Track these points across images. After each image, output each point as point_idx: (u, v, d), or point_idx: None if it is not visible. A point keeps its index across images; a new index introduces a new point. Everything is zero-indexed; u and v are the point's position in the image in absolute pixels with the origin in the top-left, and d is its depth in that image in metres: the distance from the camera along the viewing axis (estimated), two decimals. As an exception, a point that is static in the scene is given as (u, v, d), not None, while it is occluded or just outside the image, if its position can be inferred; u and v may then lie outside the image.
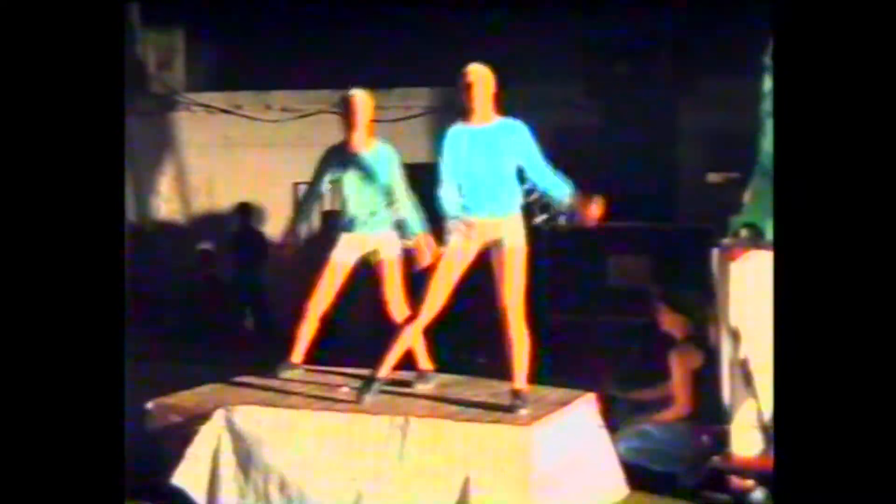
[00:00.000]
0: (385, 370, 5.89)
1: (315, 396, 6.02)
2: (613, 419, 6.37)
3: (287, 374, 6.46)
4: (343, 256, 6.44)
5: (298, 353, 6.54)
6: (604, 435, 6.12)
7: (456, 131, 5.76)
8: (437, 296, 5.77)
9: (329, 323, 6.71)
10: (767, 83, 5.88)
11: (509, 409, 5.64)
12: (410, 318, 5.91)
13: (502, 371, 5.90)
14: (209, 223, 13.82)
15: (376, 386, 5.84)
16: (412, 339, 6.06)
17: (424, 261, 6.08)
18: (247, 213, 12.96)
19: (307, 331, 6.51)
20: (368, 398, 5.77)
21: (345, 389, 6.12)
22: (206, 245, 13.39)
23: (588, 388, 6.23)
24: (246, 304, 12.73)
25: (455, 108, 5.90)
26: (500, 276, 5.70)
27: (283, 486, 5.50)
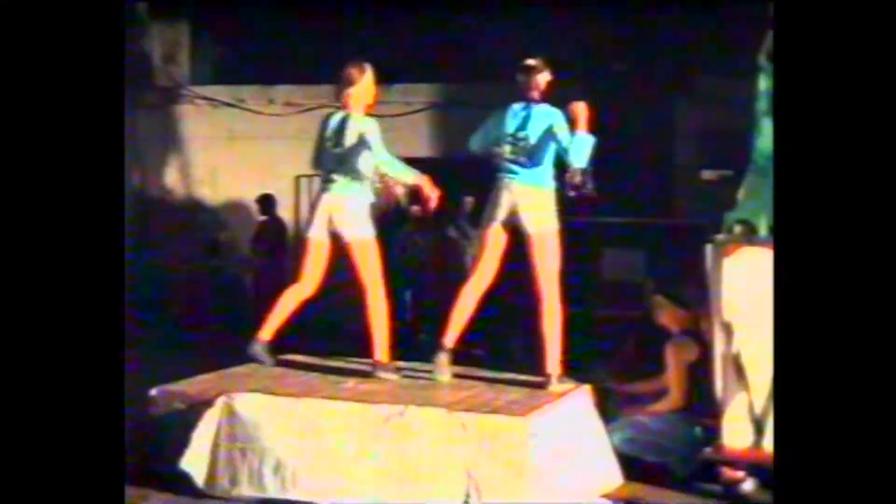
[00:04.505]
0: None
1: (317, 386, 6.07)
2: (608, 410, 6.43)
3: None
4: None
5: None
6: (598, 426, 6.18)
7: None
8: None
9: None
10: (762, 82, 5.94)
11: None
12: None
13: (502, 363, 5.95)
14: (212, 215, 13.91)
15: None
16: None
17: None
18: (269, 203, 12.88)
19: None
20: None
21: (349, 383, 6.16)
22: (211, 235, 13.44)
23: (583, 380, 6.29)
24: (265, 295, 12.62)
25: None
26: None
27: (277, 468, 5.53)
